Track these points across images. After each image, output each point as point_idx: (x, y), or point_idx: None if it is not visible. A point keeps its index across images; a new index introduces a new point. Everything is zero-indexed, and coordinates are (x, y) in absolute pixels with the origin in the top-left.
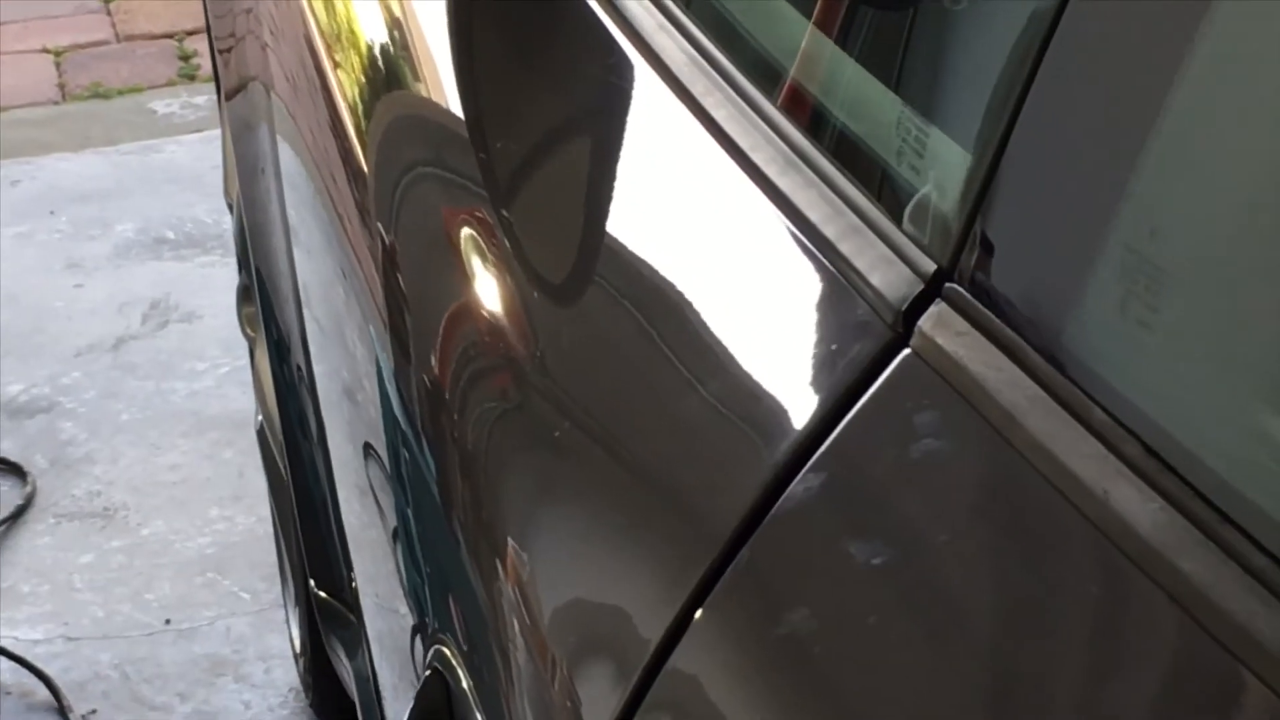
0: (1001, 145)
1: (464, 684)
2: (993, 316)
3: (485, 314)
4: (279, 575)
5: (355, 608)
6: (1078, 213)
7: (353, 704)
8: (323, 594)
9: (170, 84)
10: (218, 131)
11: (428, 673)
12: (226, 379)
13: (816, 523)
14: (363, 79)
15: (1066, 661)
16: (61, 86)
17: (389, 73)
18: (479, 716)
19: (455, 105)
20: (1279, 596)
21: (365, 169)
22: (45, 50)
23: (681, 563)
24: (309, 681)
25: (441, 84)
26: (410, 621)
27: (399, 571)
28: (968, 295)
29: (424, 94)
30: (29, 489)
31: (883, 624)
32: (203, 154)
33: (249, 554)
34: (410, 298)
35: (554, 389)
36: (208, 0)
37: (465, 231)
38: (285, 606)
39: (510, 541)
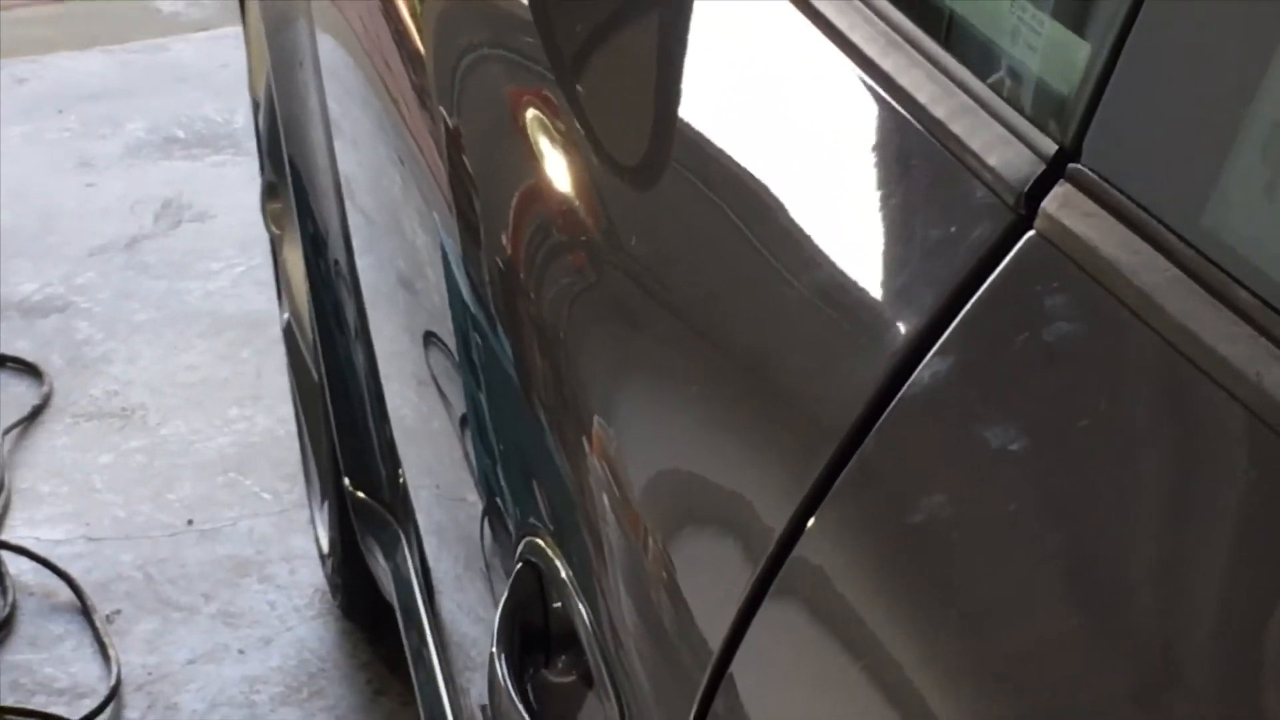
0: (1131, 16)
1: (561, 574)
2: (1123, 197)
3: (559, 194)
4: (302, 476)
5: (394, 507)
6: (1217, 88)
7: (381, 604)
8: (359, 494)
9: None
10: (225, 30)
11: (519, 565)
12: (242, 278)
13: (943, 412)
14: None
15: (1218, 549)
16: None
17: None
18: (581, 605)
19: None
20: None
21: (422, 53)
22: None
23: (801, 454)
24: (338, 583)
25: None
26: (479, 509)
27: (469, 459)
28: (1094, 175)
29: None
30: (46, 389)
31: (1018, 516)
32: (210, 52)
33: (270, 454)
34: (479, 180)
35: (642, 270)
36: None
37: (532, 112)
38: (310, 507)
39: (599, 423)
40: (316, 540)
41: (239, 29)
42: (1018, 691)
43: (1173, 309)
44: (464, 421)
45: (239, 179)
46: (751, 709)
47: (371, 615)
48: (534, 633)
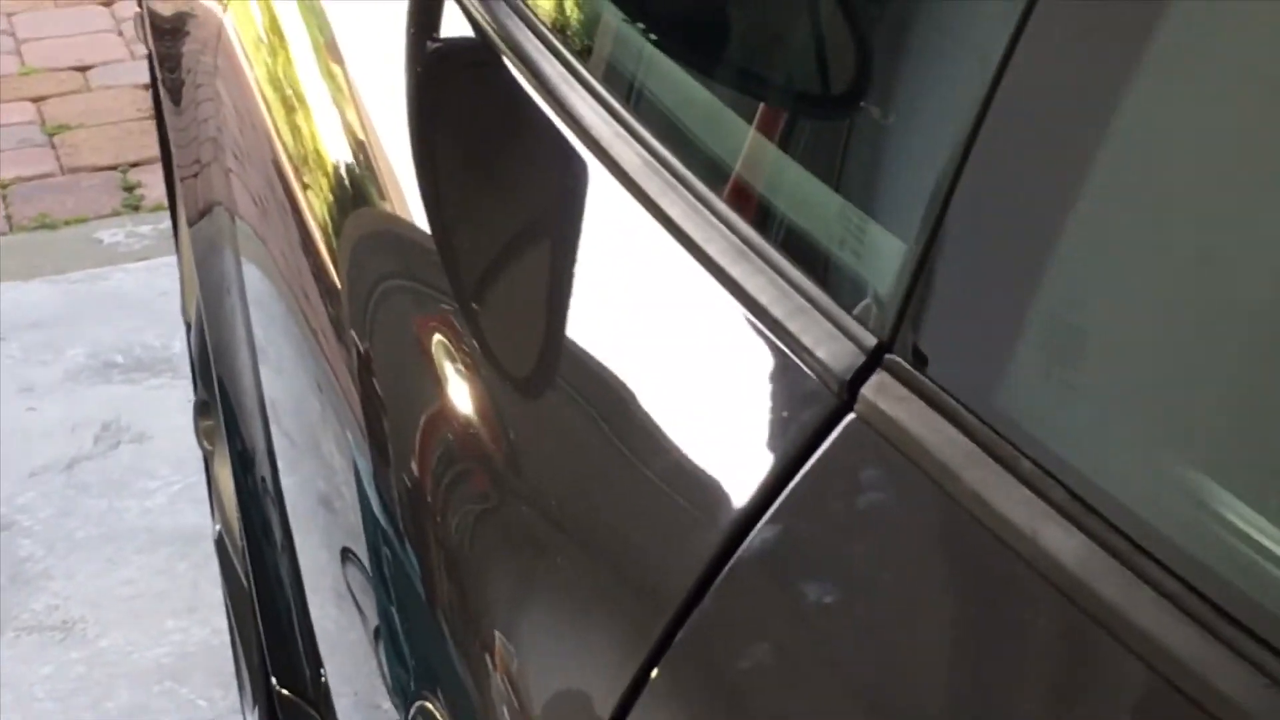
0: (934, 231)
1: None
2: (929, 382)
3: (459, 416)
4: (235, 681)
5: (318, 703)
6: (1003, 289)
7: None
8: (285, 691)
9: (115, 214)
10: (162, 259)
11: None
12: (179, 496)
13: (772, 572)
14: (330, 197)
15: (1003, 677)
16: (9, 218)
17: (355, 190)
18: None
19: (420, 217)
20: (1187, 614)
21: (337, 285)
22: None
23: (647, 614)
24: None
25: (406, 197)
26: (394, 718)
27: (381, 669)
28: (906, 365)
29: (390, 208)
30: None
31: (835, 662)
32: (149, 281)
33: (205, 663)
34: (388, 405)
35: (526, 483)
36: (170, 131)
37: (437, 338)
38: (243, 711)
39: (499, 636)
40: None
41: (176, 258)
42: None
43: (968, 478)
44: (377, 634)
45: (176, 402)
46: None
47: None
48: None
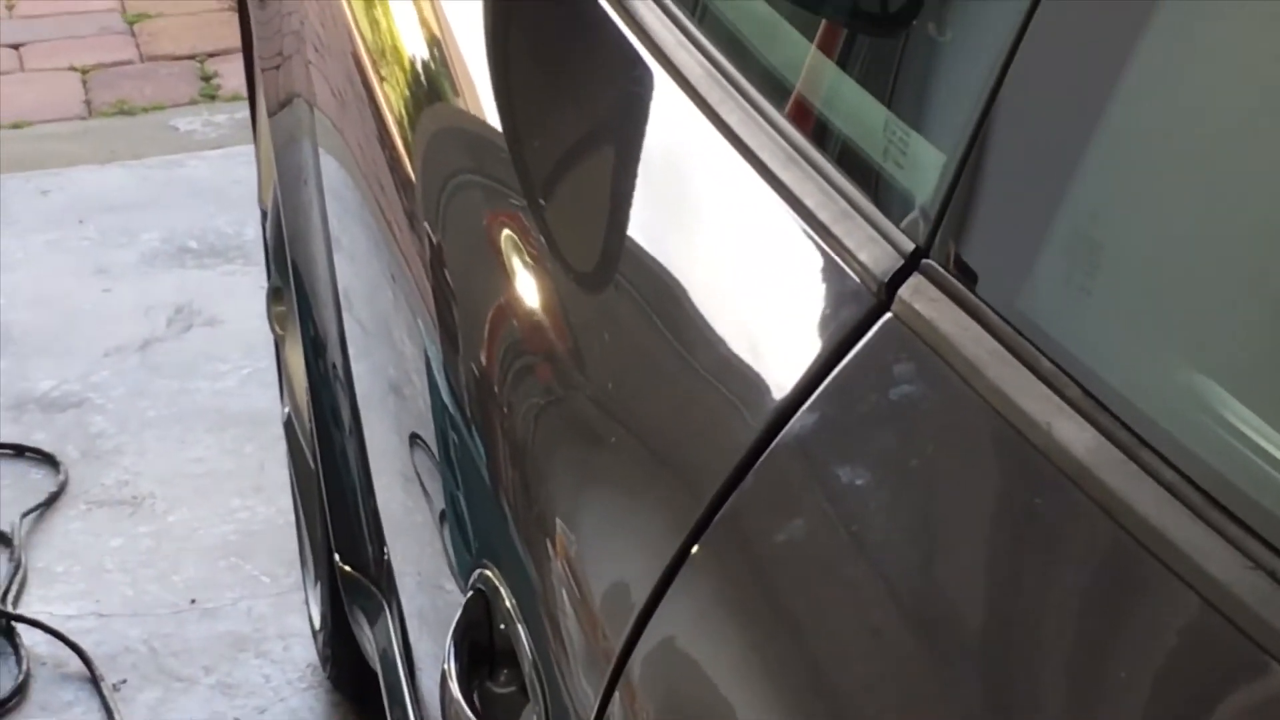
0: (969, 147)
1: (505, 602)
2: (962, 286)
3: (524, 309)
4: (299, 560)
5: (380, 581)
6: (1031, 201)
7: (368, 676)
8: (348, 569)
9: (192, 103)
10: (238, 148)
11: (471, 592)
12: (248, 379)
13: (808, 457)
14: (406, 93)
15: (1016, 558)
16: (88, 103)
17: (430, 87)
18: (520, 627)
19: (493, 116)
20: (1185, 504)
21: (411, 178)
22: (72, 68)
23: (692, 490)
24: (328, 655)
25: (480, 96)
26: (456, 597)
27: (446, 549)
28: (941, 269)
29: (464, 106)
30: (61, 477)
31: (864, 542)
32: (224, 169)
33: (269, 541)
34: (458, 296)
35: (585, 372)
36: (254, 23)
37: (505, 233)
38: (305, 589)
39: (549, 504)
40: (309, 617)
41: (251, 148)
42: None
43: (991, 374)
44: (443, 516)
45: (248, 288)
46: (645, 698)
47: (359, 686)
48: (481, 651)
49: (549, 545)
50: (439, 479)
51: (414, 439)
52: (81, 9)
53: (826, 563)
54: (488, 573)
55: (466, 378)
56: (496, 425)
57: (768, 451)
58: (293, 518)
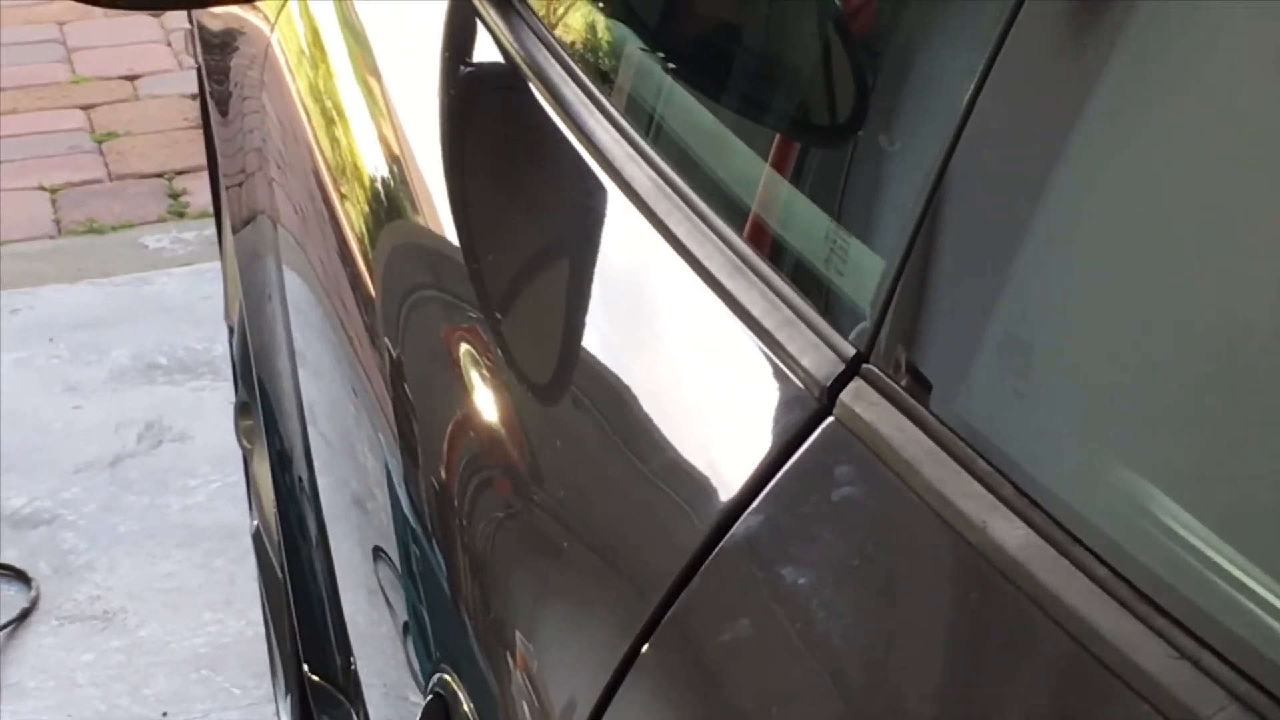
0: (906, 253)
1: (464, 705)
2: (900, 389)
3: (481, 422)
4: (269, 671)
5: (347, 690)
6: (965, 306)
7: None
8: (316, 677)
9: (161, 220)
10: (207, 264)
11: (429, 697)
12: (218, 494)
13: (754, 560)
14: (366, 209)
15: (954, 653)
16: (57, 222)
17: (390, 203)
18: None
19: (450, 230)
20: (1115, 598)
21: (371, 292)
22: (41, 188)
23: (640, 593)
24: None
25: (437, 211)
26: (418, 704)
27: (409, 660)
28: (880, 373)
29: (422, 221)
30: (33, 593)
31: (810, 642)
32: (193, 286)
33: (240, 653)
34: (417, 410)
35: (539, 483)
36: (217, 140)
37: (462, 347)
38: (275, 699)
39: (504, 612)
40: None
41: (219, 264)
42: None
43: (928, 474)
44: (405, 627)
45: (216, 403)
46: None
47: None
48: None
49: (506, 651)
50: (401, 590)
51: (377, 551)
52: (50, 128)
53: (773, 661)
54: (446, 677)
55: (426, 490)
56: (456, 536)
57: (714, 552)
58: (263, 629)
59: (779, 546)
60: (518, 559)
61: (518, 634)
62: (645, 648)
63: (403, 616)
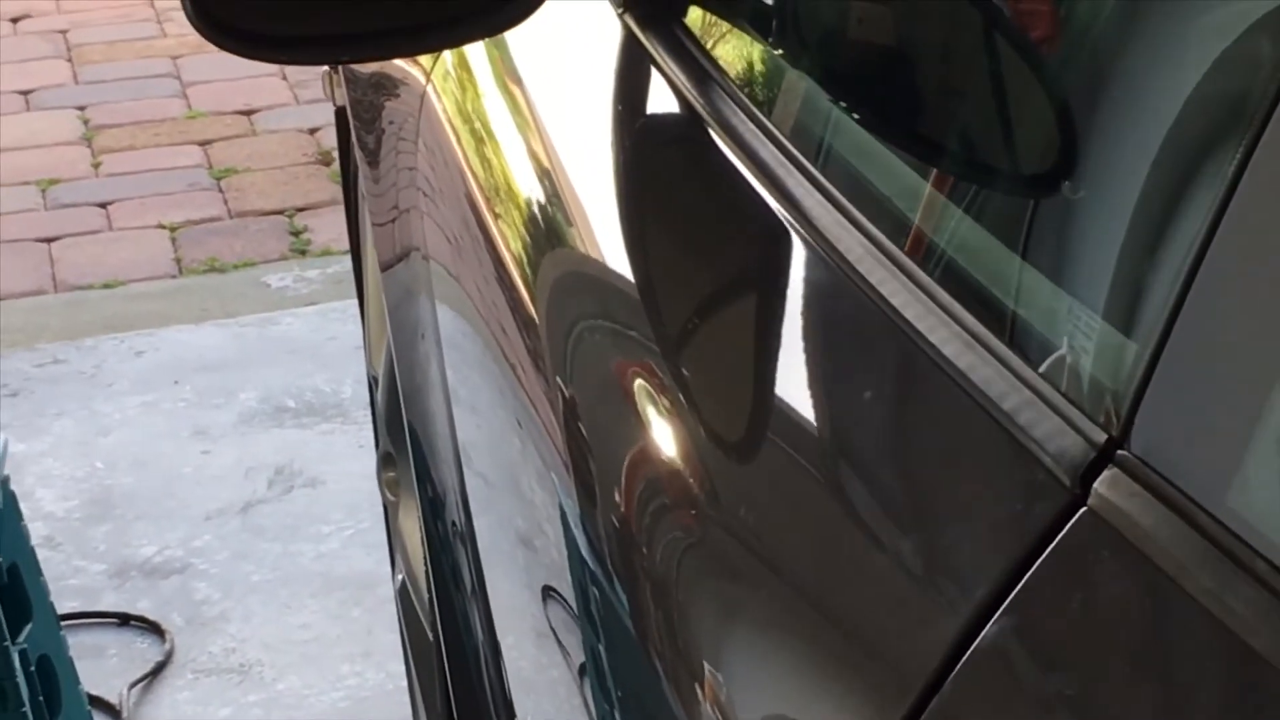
0: (1165, 334)
1: None
2: (1163, 480)
3: (665, 457)
4: None
5: None
6: (1240, 389)
7: None
8: None
9: (283, 258)
10: (332, 304)
11: None
12: (351, 541)
13: (1009, 664)
14: (524, 234)
15: None
16: (178, 261)
17: (550, 229)
18: None
19: (618, 259)
20: None
21: (536, 322)
22: (161, 226)
23: (887, 701)
24: None
25: (600, 238)
26: None
27: (587, 706)
28: (1139, 461)
29: (586, 248)
30: (168, 646)
31: None
32: (318, 325)
33: (380, 708)
34: (593, 445)
35: (744, 533)
36: (362, 178)
37: (638, 381)
38: None
39: (711, 672)
40: None
41: (344, 303)
42: None
43: (1203, 577)
44: (582, 670)
45: (347, 447)
46: None
47: None
48: None
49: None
50: (578, 633)
51: (547, 592)
52: (168, 165)
53: None
54: None
55: (605, 525)
56: (640, 574)
57: (968, 654)
58: (404, 682)
59: (1035, 652)
60: (724, 623)
61: (724, 698)
62: None
63: (579, 659)
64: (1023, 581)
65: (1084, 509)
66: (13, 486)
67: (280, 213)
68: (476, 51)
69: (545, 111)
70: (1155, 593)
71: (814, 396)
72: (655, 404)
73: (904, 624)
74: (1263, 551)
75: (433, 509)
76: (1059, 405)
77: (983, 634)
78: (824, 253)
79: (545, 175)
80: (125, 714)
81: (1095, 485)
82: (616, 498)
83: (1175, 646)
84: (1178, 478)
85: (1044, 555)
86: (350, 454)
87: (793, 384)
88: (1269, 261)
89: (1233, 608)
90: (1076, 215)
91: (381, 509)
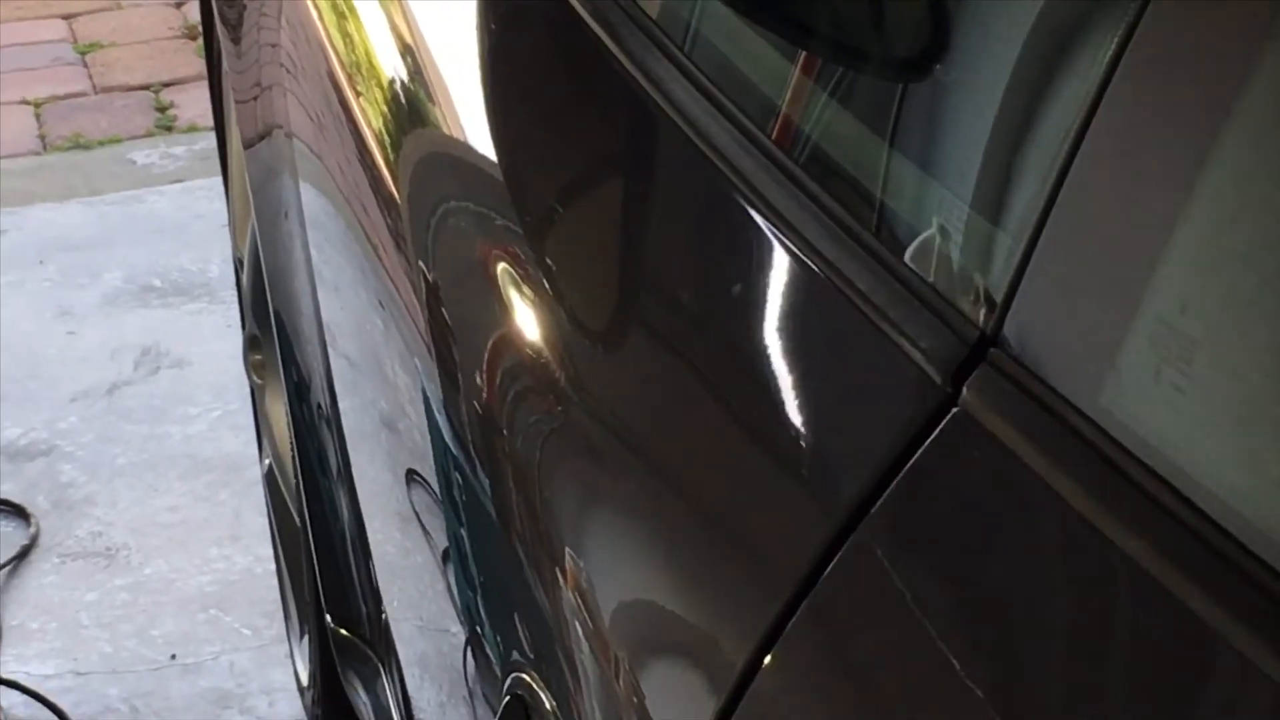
0: (1038, 227)
1: (546, 706)
2: (1034, 379)
3: (530, 342)
4: (280, 612)
5: (375, 643)
6: (1112, 289)
7: None
8: (342, 630)
9: (149, 134)
10: (199, 181)
11: (507, 698)
12: (219, 423)
13: (881, 562)
14: (387, 110)
15: (1099, 664)
16: (42, 137)
17: (413, 103)
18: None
19: (482, 138)
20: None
21: (399, 202)
22: (25, 101)
23: (760, 597)
24: (318, 714)
25: (465, 117)
26: (462, 639)
27: (451, 592)
28: (1010, 359)
29: (450, 127)
30: (33, 530)
31: (941, 648)
32: (185, 204)
33: (248, 591)
34: (455, 327)
35: (610, 418)
36: (224, 55)
37: (502, 263)
38: (289, 643)
39: (572, 558)
40: (295, 674)
41: (211, 180)
42: None
43: (1075, 480)
44: (445, 555)
45: (214, 327)
46: None
47: None
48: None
49: (585, 618)
50: (440, 516)
51: (411, 476)
52: (31, 39)
53: (903, 666)
54: (524, 676)
55: (467, 407)
56: (503, 457)
57: (841, 551)
58: (272, 566)
59: (907, 551)
60: (587, 506)
61: (611, 632)
62: (770, 654)
63: (442, 544)
64: (892, 485)
65: (955, 409)
66: None
67: (146, 88)
68: None
69: None
70: (1028, 496)
71: (678, 285)
72: (518, 288)
73: (774, 521)
74: (1135, 451)
75: (298, 392)
76: (930, 300)
77: (854, 534)
78: (690, 137)
79: (409, 52)
80: None
81: (966, 384)
82: (478, 381)
83: (1047, 548)
84: (1050, 376)
85: (915, 457)
86: (217, 334)
87: (656, 271)
88: (1145, 153)
89: (1105, 510)
90: (947, 100)
91: (249, 391)
